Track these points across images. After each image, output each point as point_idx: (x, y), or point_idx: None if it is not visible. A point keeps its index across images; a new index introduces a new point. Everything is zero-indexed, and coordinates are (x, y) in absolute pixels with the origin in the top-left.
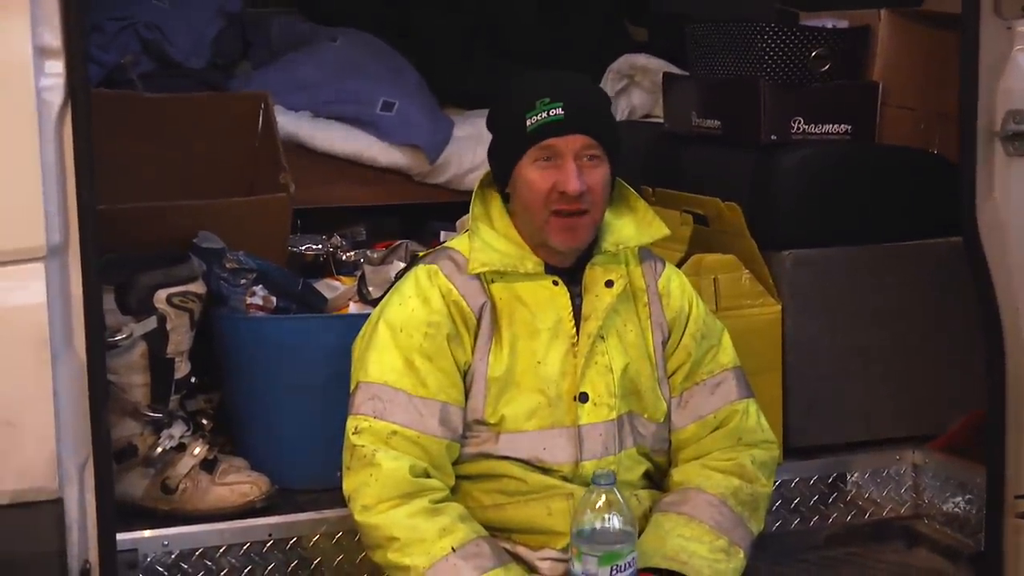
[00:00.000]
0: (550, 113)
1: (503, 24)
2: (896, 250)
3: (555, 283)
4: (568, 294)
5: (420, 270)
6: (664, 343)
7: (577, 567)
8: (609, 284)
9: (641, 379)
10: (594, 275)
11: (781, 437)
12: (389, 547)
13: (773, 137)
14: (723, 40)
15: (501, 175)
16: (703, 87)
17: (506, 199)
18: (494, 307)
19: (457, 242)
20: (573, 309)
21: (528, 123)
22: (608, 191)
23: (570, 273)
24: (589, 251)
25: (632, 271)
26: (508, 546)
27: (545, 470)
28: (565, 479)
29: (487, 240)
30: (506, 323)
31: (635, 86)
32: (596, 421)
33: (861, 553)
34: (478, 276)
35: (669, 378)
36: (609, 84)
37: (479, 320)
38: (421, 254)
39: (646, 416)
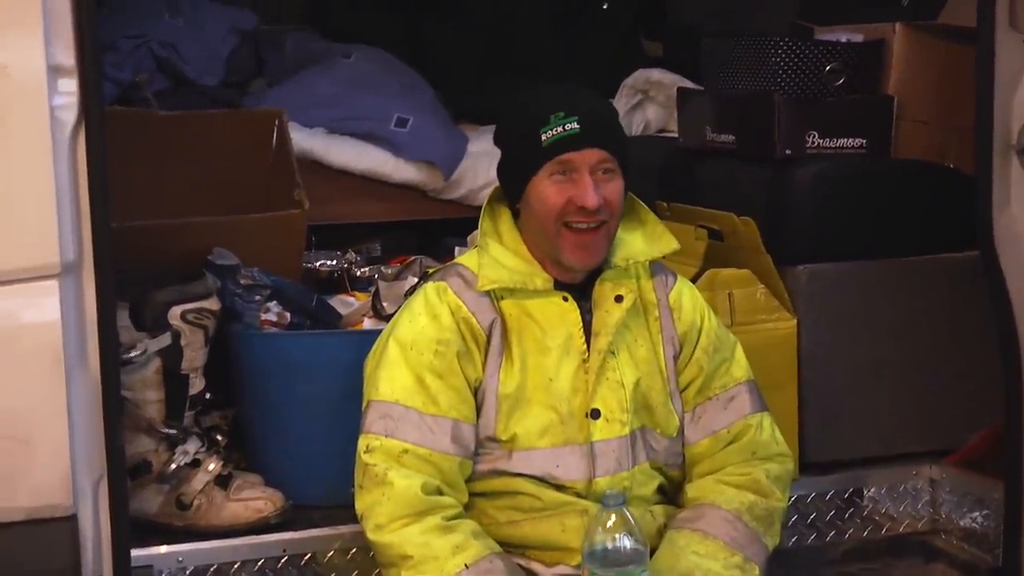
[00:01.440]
0: (566, 128)
1: (517, 39)
2: (912, 264)
3: (565, 299)
4: (578, 310)
5: (429, 287)
6: (676, 357)
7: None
8: (619, 299)
9: (652, 394)
10: (604, 291)
11: (797, 452)
12: (403, 565)
13: (788, 152)
14: (738, 55)
15: (513, 191)
16: (717, 102)
17: (516, 215)
18: (504, 324)
19: (466, 258)
20: (584, 325)
21: (543, 138)
22: (623, 204)
23: (580, 289)
24: (599, 266)
25: (643, 285)
26: (523, 562)
27: (559, 487)
28: (579, 495)
29: (496, 256)
30: (516, 340)
31: (650, 101)
32: (609, 437)
33: (878, 569)
34: (488, 293)
35: (682, 392)
36: (624, 99)
37: (489, 337)
38: (431, 271)
39: (658, 431)
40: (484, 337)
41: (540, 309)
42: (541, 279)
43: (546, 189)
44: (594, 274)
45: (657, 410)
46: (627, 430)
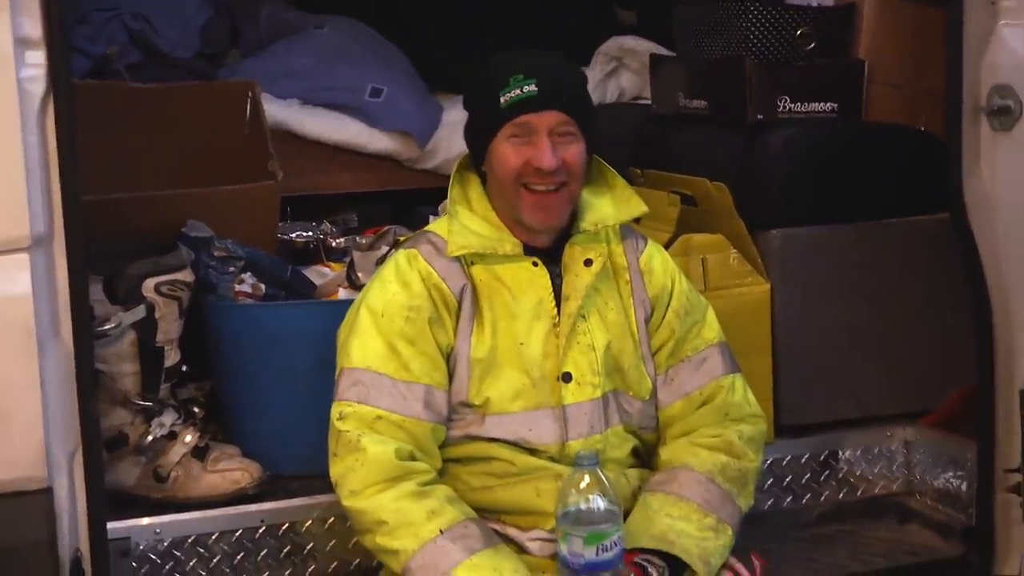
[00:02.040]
0: (524, 90)
1: (492, 8)
2: (884, 227)
3: (535, 264)
4: (548, 275)
5: (400, 255)
6: (647, 320)
7: (563, 548)
8: (588, 263)
9: (624, 357)
10: (573, 254)
11: (772, 416)
12: (378, 531)
13: (759, 116)
14: (709, 21)
15: (477, 153)
16: (689, 68)
17: (484, 180)
18: (474, 289)
19: (436, 225)
20: (554, 289)
21: (502, 100)
22: (584, 167)
23: (549, 253)
24: (568, 231)
25: (613, 249)
26: (498, 527)
27: (532, 451)
28: (552, 459)
29: (465, 223)
30: (487, 305)
31: (624, 68)
32: (581, 400)
33: (853, 530)
34: (458, 259)
35: (654, 355)
36: (598, 67)
37: (460, 302)
38: (402, 239)
39: (631, 394)
40: (455, 303)
41: (510, 274)
42: (510, 244)
43: (505, 151)
44: (563, 239)
45: (629, 373)
46: (599, 393)
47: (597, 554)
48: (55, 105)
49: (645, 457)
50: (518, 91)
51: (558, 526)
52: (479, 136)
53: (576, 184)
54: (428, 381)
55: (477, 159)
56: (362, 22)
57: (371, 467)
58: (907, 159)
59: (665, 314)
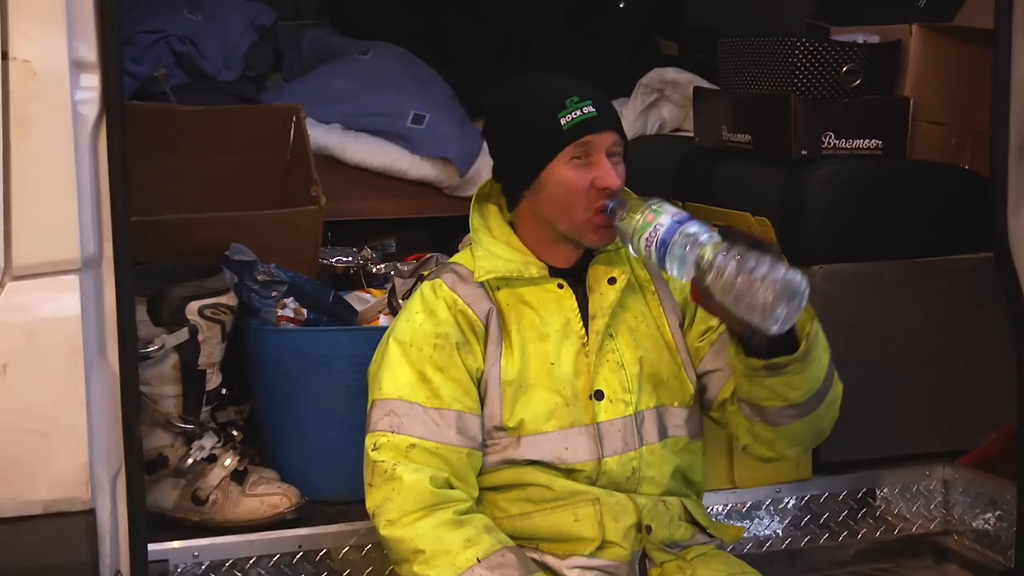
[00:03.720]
0: (584, 111)
1: (533, 37)
2: (927, 265)
3: (560, 286)
4: (574, 296)
5: (424, 286)
6: (681, 325)
7: (651, 224)
8: (612, 281)
9: (662, 368)
10: (597, 274)
11: (810, 452)
12: (415, 560)
13: (804, 152)
14: (754, 55)
15: (522, 178)
16: (734, 102)
17: (511, 206)
18: (500, 312)
19: (459, 257)
20: (580, 309)
21: (563, 121)
22: None
23: (574, 274)
24: (590, 251)
25: (634, 264)
26: (536, 556)
27: (568, 472)
28: (589, 480)
29: (490, 248)
30: (515, 327)
31: (665, 100)
32: (613, 417)
33: (890, 569)
34: (482, 284)
35: (700, 340)
36: (639, 98)
37: (487, 326)
38: (425, 273)
39: (676, 404)
40: (482, 327)
41: (536, 296)
42: (536, 267)
43: (566, 173)
44: (586, 259)
45: (669, 383)
46: (631, 410)
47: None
48: (108, 128)
49: (691, 481)
50: (578, 112)
51: (640, 227)
52: (531, 160)
53: None
54: (459, 407)
55: (520, 184)
56: (405, 48)
57: (407, 495)
58: (951, 197)
59: (696, 310)
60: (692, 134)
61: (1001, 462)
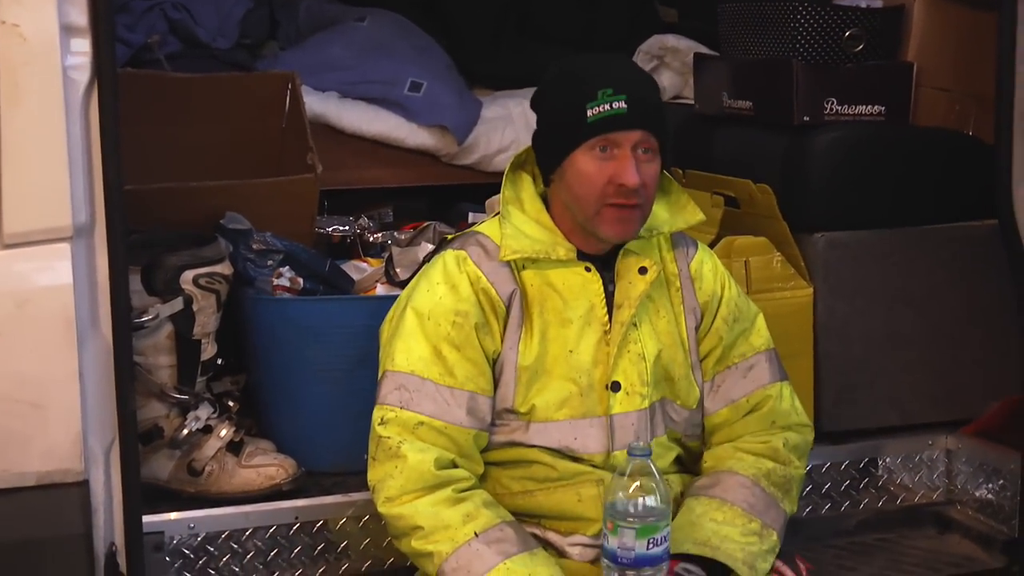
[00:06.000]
0: (613, 106)
1: (533, 5)
2: (930, 233)
3: (588, 269)
4: (601, 281)
5: (448, 255)
6: (697, 328)
7: (612, 542)
8: (643, 271)
9: (674, 366)
10: (627, 262)
11: (812, 421)
12: (413, 535)
13: (806, 118)
14: (755, 19)
15: (549, 162)
16: (735, 67)
17: (547, 182)
18: (524, 295)
19: (486, 227)
20: (606, 296)
21: (589, 113)
22: (656, 186)
23: (603, 260)
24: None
25: (665, 256)
26: (538, 532)
27: (575, 459)
28: (595, 467)
29: (518, 225)
30: (537, 311)
31: (665, 67)
32: (628, 410)
33: (892, 539)
34: (508, 263)
35: (702, 362)
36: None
37: (508, 308)
38: (449, 237)
39: (679, 403)
40: (503, 308)
41: (562, 279)
42: (564, 249)
43: (586, 165)
44: (617, 244)
45: (679, 382)
46: (647, 403)
47: (648, 548)
48: (99, 94)
49: (688, 464)
50: (607, 106)
51: (607, 518)
52: (556, 146)
53: (649, 206)
54: (472, 388)
55: (547, 167)
56: (402, 16)
57: (409, 475)
58: (955, 164)
59: (714, 321)
60: (692, 101)
61: (1004, 431)
